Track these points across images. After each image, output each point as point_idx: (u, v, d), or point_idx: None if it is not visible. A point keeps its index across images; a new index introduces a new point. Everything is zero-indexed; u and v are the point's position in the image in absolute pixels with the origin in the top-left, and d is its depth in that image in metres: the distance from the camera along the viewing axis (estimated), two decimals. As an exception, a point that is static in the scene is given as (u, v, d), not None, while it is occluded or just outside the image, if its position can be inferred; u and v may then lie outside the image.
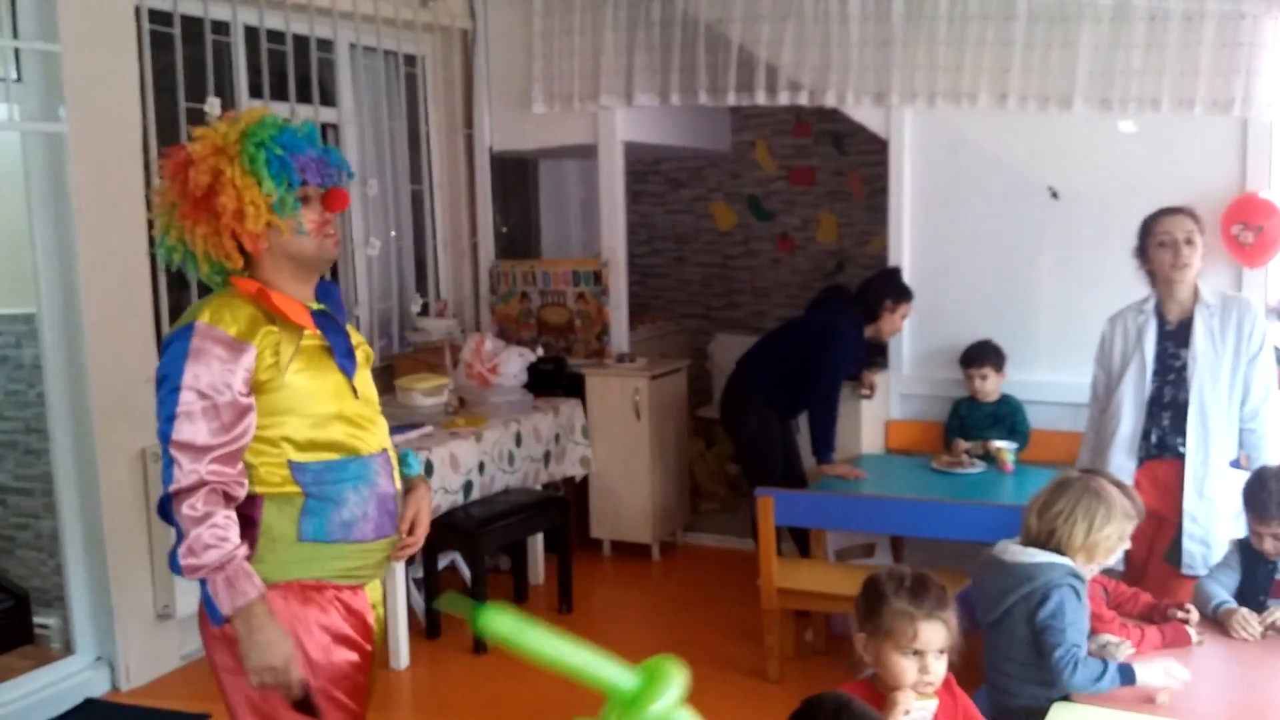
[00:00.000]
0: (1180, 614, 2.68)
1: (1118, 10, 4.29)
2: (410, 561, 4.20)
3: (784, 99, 4.93)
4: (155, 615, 4.07)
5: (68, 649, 4.01)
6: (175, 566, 1.97)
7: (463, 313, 5.76)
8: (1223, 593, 2.79)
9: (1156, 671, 2.33)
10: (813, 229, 6.77)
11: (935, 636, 2.08)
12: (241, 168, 2.01)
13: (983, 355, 4.49)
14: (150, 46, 4.03)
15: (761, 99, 4.96)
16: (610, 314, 5.51)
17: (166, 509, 1.98)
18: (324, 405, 2.09)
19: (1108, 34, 4.33)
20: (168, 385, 1.98)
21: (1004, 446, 4.31)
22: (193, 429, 1.96)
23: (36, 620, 3.73)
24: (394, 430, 4.22)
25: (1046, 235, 4.61)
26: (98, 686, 3.96)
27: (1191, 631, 2.63)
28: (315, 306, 2.17)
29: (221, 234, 2.05)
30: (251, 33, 4.46)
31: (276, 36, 4.56)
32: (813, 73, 4.81)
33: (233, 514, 1.98)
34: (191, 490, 1.95)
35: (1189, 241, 3.34)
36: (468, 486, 4.39)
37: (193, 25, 4.20)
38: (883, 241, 5.02)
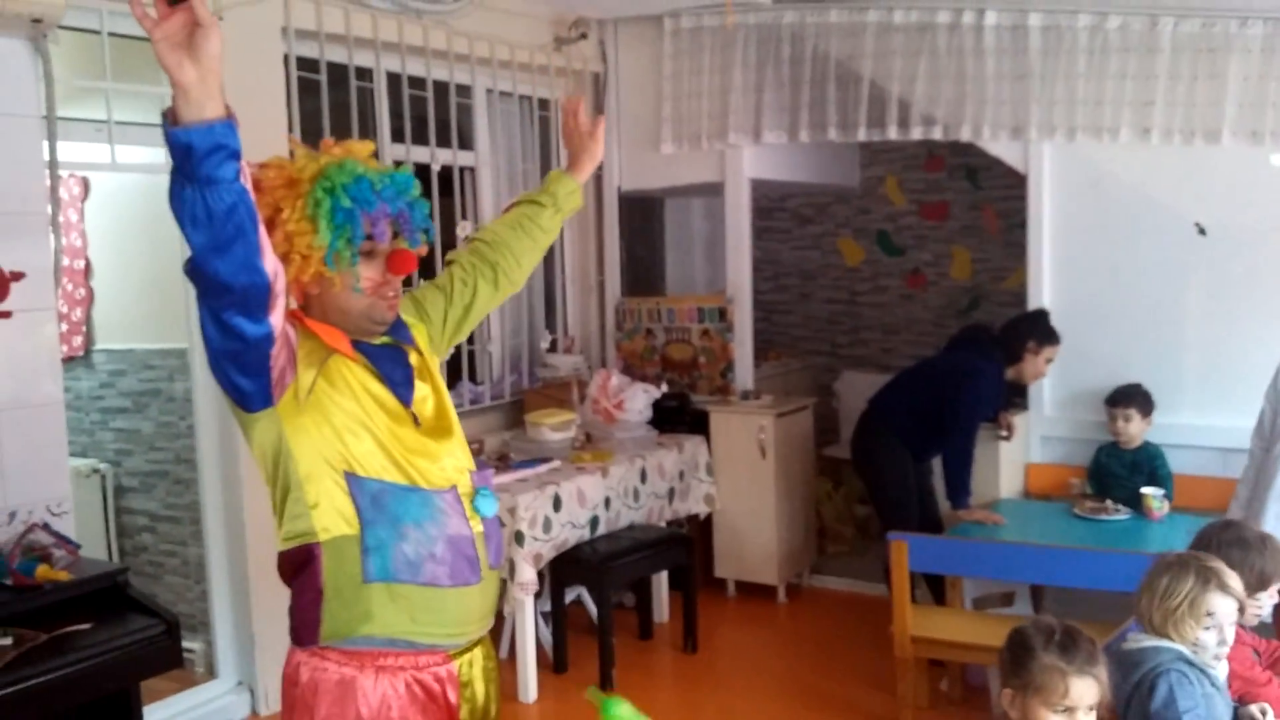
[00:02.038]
0: None
1: (1268, 41, 4.13)
2: (538, 595, 4.23)
3: (917, 134, 4.88)
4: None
5: (211, 673, 4.16)
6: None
7: (589, 349, 5.82)
8: None
9: None
10: (945, 264, 6.65)
11: (1087, 693, 2.00)
12: (302, 211, 1.84)
13: (1130, 397, 4.32)
14: (298, 93, 4.19)
15: (894, 134, 4.90)
16: (735, 350, 5.50)
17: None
18: (379, 429, 1.89)
19: (1258, 65, 4.16)
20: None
21: (1151, 494, 4.13)
22: None
23: (183, 645, 3.86)
24: (522, 464, 4.38)
25: (1193, 273, 4.43)
26: (238, 711, 4.08)
27: None
28: (378, 341, 1.99)
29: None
30: (394, 79, 4.61)
31: (417, 83, 4.70)
32: (947, 107, 4.74)
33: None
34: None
35: None
36: (594, 522, 4.41)
37: (338, 72, 4.36)
38: (1019, 277, 4.90)
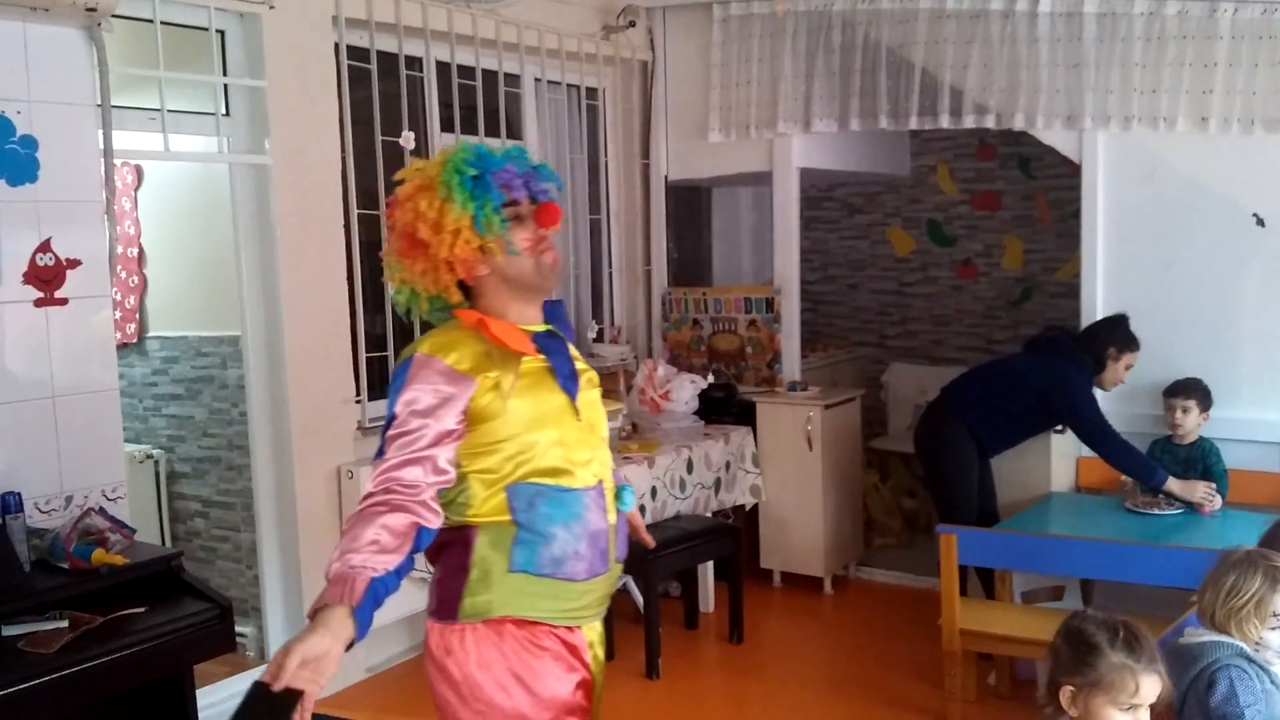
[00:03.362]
0: None
1: (1333, 26, 4.02)
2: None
3: (969, 122, 4.81)
4: (343, 628, 4.22)
5: (263, 657, 4.22)
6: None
7: (636, 339, 5.81)
8: None
9: None
10: (997, 255, 6.56)
11: (1153, 690, 1.98)
12: (438, 196, 1.97)
13: (1190, 389, 4.23)
14: (349, 82, 4.22)
15: (946, 122, 4.84)
16: (782, 341, 5.46)
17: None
18: (544, 430, 2.00)
19: (1322, 51, 4.06)
20: (387, 421, 1.96)
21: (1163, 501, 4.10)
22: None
23: (235, 629, 3.91)
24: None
25: (1252, 265, 4.33)
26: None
27: None
28: (540, 328, 2.10)
29: (438, 268, 2.01)
30: (443, 68, 4.62)
31: (466, 72, 4.71)
32: (1000, 95, 4.67)
33: (388, 529, 1.84)
34: (363, 499, 1.90)
35: None
36: (640, 511, 4.42)
37: (388, 61, 4.38)
38: (1074, 268, 4.82)
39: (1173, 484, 4.07)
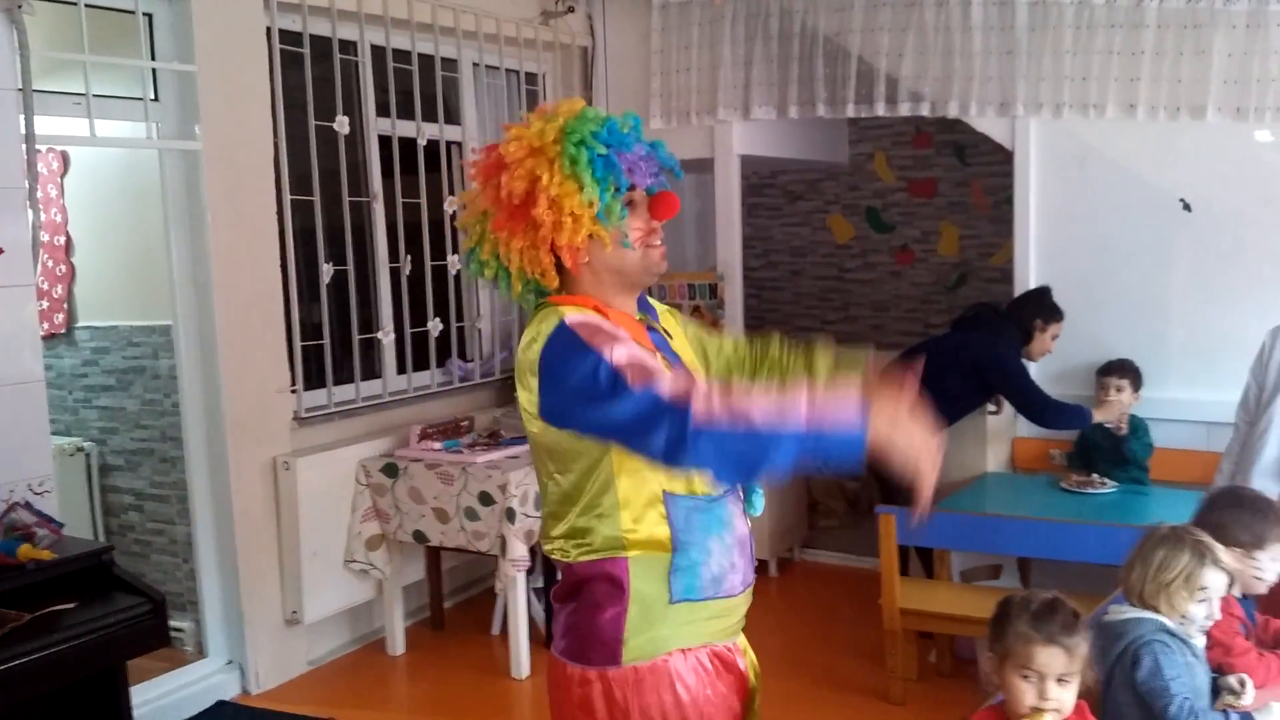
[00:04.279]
0: None
1: (1253, 17, 4.11)
2: (530, 571, 4.23)
3: (905, 110, 4.85)
4: (284, 621, 4.18)
5: (200, 652, 4.16)
6: (744, 475, 1.69)
7: (579, 326, 5.79)
8: None
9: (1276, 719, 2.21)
10: (933, 241, 6.64)
11: (1053, 661, 2.00)
12: (561, 172, 1.75)
13: (1123, 368, 4.32)
14: (281, 66, 4.15)
15: (882, 110, 4.88)
16: (725, 327, 5.49)
17: (676, 453, 1.60)
18: None
19: (1243, 41, 4.14)
20: (573, 373, 1.68)
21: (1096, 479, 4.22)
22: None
23: (171, 624, 3.86)
24: (513, 441, 4.36)
25: (1179, 249, 4.43)
26: (229, 689, 4.08)
27: None
28: (639, 317, 1.92)
29: (539, 247, 1.79)
30: (378, 52, 4.57)
31: (402, 56, 4.66)
32: (934, 83, 4.72)
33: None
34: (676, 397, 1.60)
35: None
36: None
37: (322, 45, 4.31)
38: (1007, 253, 4.89)
39: (1096, 414, 4.23)
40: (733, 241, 5.47)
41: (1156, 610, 2.34)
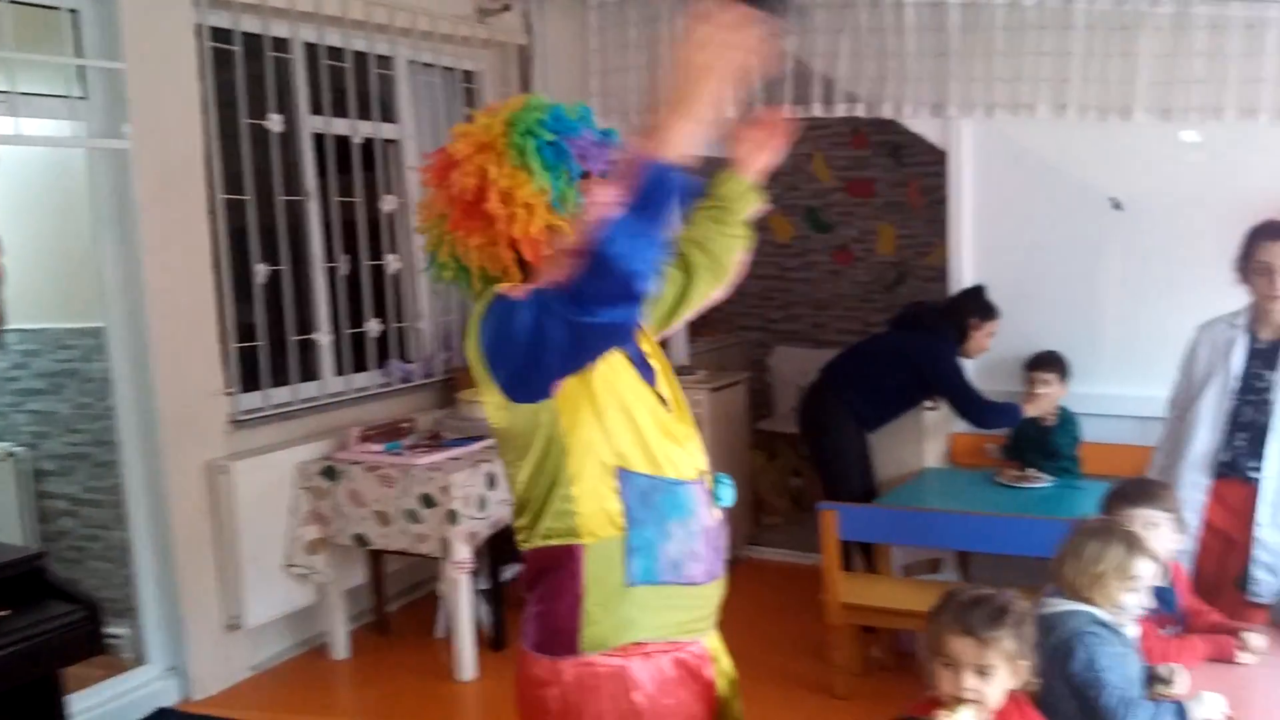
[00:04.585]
0: (1244, 636, 2.61)
1: (1178, 19, 4.21)
2: (475, 573, 4.22)
3: (841, 111, 4.90)
4: (224, 626, 4.13)
5: (139, 659, 4.09)
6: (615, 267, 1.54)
7: (522, 327, 5.76)
8: None
9: (1206, 708, 2.26)
10: (872, 241, 6.73)
11: (965, 651, 2.04)
12: (509, 163, 1.73)
13: (1050, 361, 4.40)
14: (212, 63, 4.09)
15: (818, 111, 4.92)
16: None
17: (574, 328, 1.57)
18: (641, 414, 1.78)
19: (1168, 43, 4.24)
20: (506, 327, 1.64)
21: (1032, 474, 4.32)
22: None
23: (109, 630, 3.80)
24: (455, 443, 4.34)
25: (1110, 247, 4.53)
26: (169, 696, 4.02)
27: (1240, 650, 2.56)
28: None
29: (498, 244, 1.77)
30: (311, 49, 4.52)
31: (336, 53, 4.61)
32: (869, 84, 4.77)
33: None
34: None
35: None
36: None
37: (253, 42, 4.26)
38: (943, 253, 4.97)
39: (1027, 409, 4.32)
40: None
41: (1090, 602, 2.39)
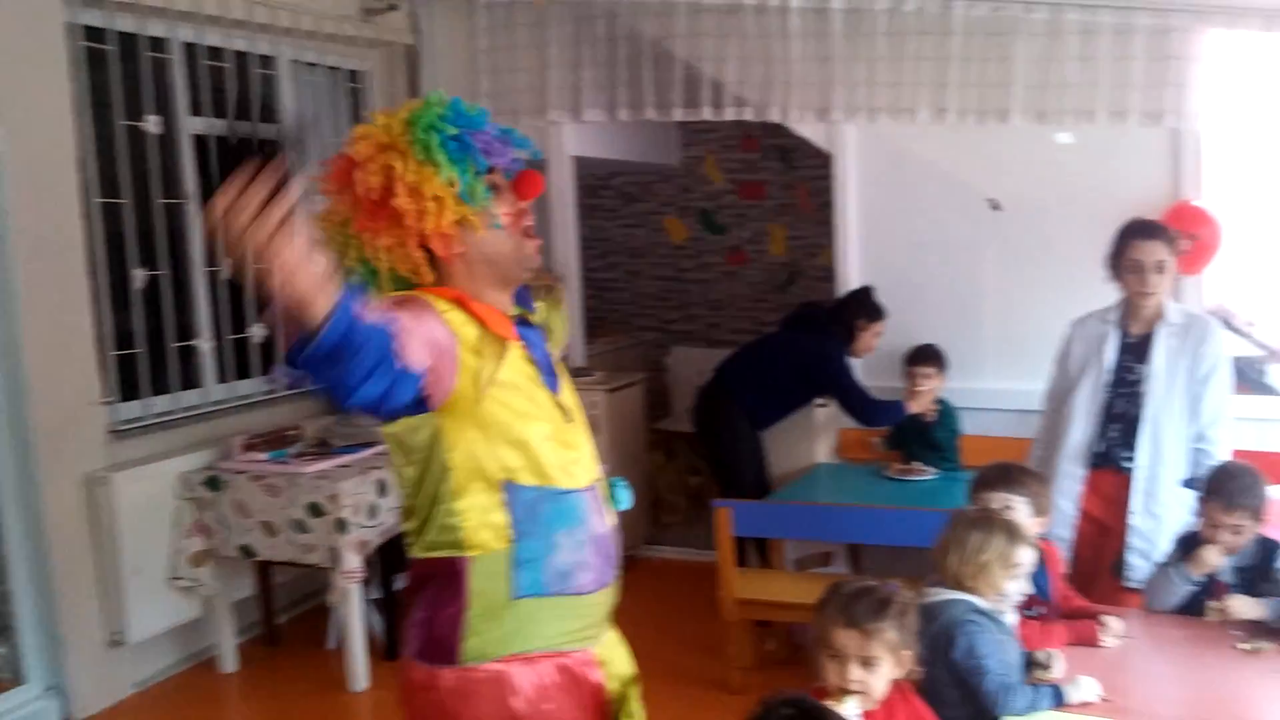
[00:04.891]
0: (1105, 621, 2.70)
1: (1051, 25, 4.36)
2: (367, 582, 4.16)
3: (730, 114, 4.95)
4: (106, 642, 4.00)
5: (17, 678, 3.92)
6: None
7: (414, 330, 5.70)
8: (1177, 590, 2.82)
9: (1082, 690, 2.35)
10: (764, 242, 6.83)
11: (849, 643, 2.08)
12: (414, 159, 1.72)
13: (931, 355, 4.51)
14: (85, 64, 3.96)
15: (708, 114, 4.97)
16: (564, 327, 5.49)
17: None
18: (536, 425, 1.78)
19: (1042, 48, 4.38)
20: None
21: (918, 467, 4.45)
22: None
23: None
24: (344, 449, 4.27)
25: (989, 246, 4.67)
26: (49, 716, 3.88)
27: (1103, 633, 2.65)
28: (515, 312, 1.88)
29: (407, 242, 1.74)
30: (190, 49, 4.40)
31: (216, 53, 4.51)
32: (757, 89, 4.83)
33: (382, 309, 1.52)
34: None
35: (1159, 269, 3.32)
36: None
37: (129, 42, 4.14)
38: (832, 253, 5.06)
39: (910, 405, 4.43)
40: (569, 243, 5.49)
41: (973, 591, 2.46)
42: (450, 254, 1.77)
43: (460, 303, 1.75)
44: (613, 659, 1.96)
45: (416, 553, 1.82)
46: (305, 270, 1.40)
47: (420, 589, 1.83)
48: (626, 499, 1.94)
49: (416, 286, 1.78)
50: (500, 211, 1.80)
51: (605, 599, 1.89)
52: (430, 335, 1.63)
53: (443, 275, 1.79)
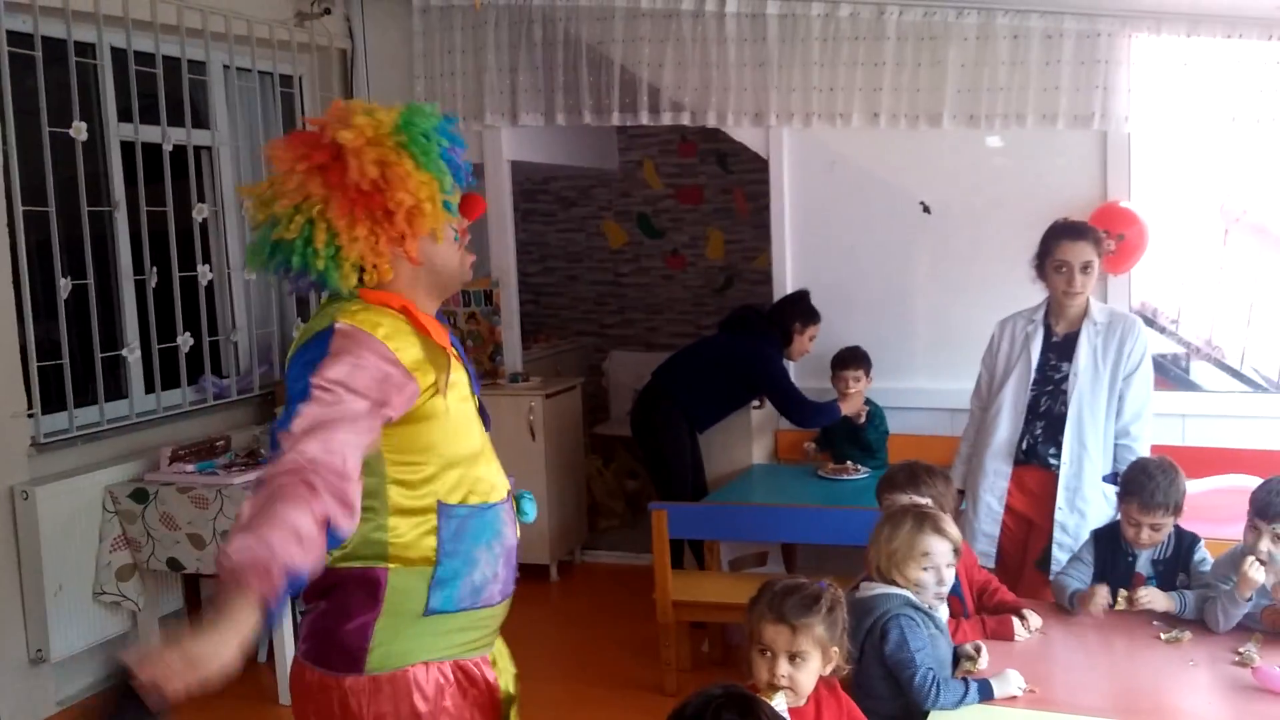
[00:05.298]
0: (1024, 614, 2.74)
1: (982, 29, 4.44)
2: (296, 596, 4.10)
3: (667, 119, 4.98)
4: (28, 660, 3.90)
5: (-61, 699, 3.83)
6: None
7: (350, 337, 5.64)
8: (1075, 583, 2.87)
9: (1008, 684, 2.38)
10: (702, 246, 6.86)
11: (778, 638, 2.10)
12: (414, 161, 1.75)
13: (859, 358, 4.55)
14: (10, 69, 3.87)
15: (645, 119, 4.99)
16: (502, 334, 5.48)
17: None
18: (471, 441, 1.84)
19: (973, 52, 4.46)
20: (299, 394, 1.63)
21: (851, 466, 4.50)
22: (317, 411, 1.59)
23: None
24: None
25: (920, 248, 4.74)
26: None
27: (1019, 627, 2.69)
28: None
29: (380, 237, 1.76)
30: (119, 55, 4.32)
31: (146, 59, 4.43)
32: (693, 93, 4.86)
33: (313, 518, 1.51)
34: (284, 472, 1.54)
35: (1085, 269, 3.37)
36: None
37: (56, 47, 4.05)
38: (768, 257, 5.10)
39: (843, 408, 4.47)
40: (507, 247, 5.47)
41: (895, 583, 2.49)
42: (415, 257, 1.80)
43: (406, 312, 1.79)
44: (500, 657, 2.02)
45: (334, 560, 1.80)
46: (235, 645, 1.45)
47: (324, 594, 1.82)
48: (533, 511, 2.01)
49: (363, 285, 1.80)
50: (460, 227, 1.89)
51: (506, 608, 1.96)
52: (377, 375, 1.68)
53: (400, 277, 1.83)
